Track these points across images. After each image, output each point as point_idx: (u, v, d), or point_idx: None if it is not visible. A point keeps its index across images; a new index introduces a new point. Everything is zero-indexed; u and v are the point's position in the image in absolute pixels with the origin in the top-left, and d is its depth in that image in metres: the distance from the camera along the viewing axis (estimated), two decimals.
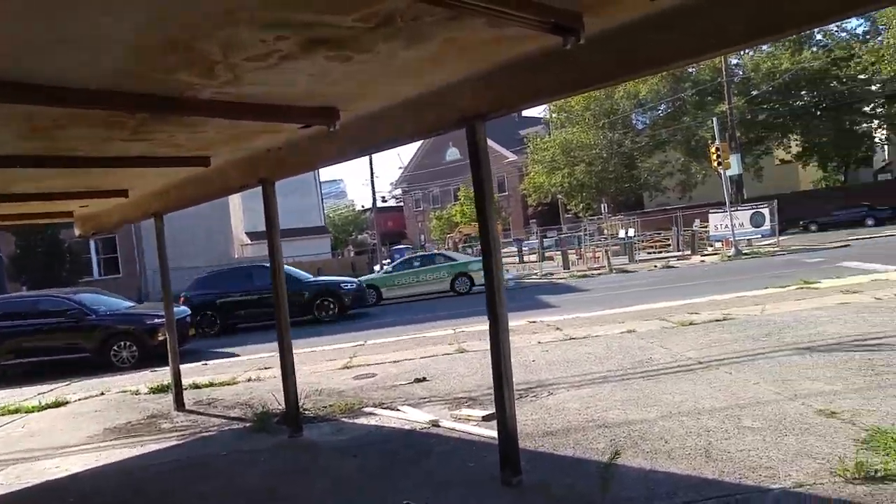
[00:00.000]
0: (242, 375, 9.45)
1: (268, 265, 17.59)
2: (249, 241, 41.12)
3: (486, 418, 5.63)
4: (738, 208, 25.66)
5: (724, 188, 24.45)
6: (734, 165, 24.71)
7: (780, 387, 5.70)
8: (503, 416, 4.21)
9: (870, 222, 31.53)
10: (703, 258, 24.30)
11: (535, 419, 5.56)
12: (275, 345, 6.28)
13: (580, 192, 38.79)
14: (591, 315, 11.63)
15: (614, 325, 9.93)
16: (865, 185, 38.73)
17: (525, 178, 43.41)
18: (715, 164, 23.89)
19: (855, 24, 36.63)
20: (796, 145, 38.23)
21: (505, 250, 34.90)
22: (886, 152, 40.73)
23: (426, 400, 6.77)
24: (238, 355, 12.39)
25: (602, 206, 35.33)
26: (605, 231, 31.11)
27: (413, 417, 6.05)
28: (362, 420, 6.31)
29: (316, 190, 46.02)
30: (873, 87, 33.98)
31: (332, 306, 17.16)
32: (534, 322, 11.39)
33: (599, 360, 7.62)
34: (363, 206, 74.01)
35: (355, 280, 19.61)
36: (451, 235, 42.89)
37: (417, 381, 7.59)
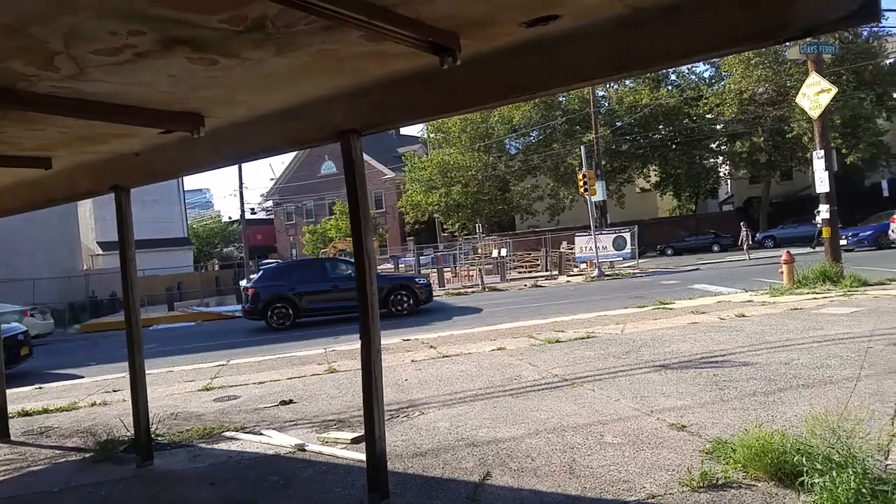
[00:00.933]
0: (85, 400, 8.60)
1: (342, 259, 14.79)
2: (101, 252, 38.08)
3: (355, 440, 5.46)
4: (603, 232, 27.24)
5: (589, 213, 25.89)
6: (599, 192, 26.22)
7: (639, 403, 5.99)
8: (372, 438, 4.08)
9: (716, 248, 34.66)
10: (569, 278, 25.49)
11: (406, 440, 5.47)
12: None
13: (456, 211, 39.56)
14: (465, 332, 11.77)
15: (486, 343, 10.10)
16: (712, 215, 42.61)
17: (403, 196, 43.63)
18: (582, 189, 25.24)
19: (703, 68, 40.44)
20: (655, 175, 41.30)
21: (381, 267, 34.77)
22: (729, 186, 45.05)
23: (292, 423, 6.48)
24: (82, 377, 11.31)
25: (477, 226, 36.23)
26: (480, 250, 31.87)
27: (278, 441, 5.76)
28: (222, 445, 5.92)
29: (179, 199, 43.22)
30: (718, 127, 37.53)
31: (406, 300, 17.08)
32: (408, 340, 11.35)
33: (471, 378, 7.68)
34: (231, 218, 70.49)
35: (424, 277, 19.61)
36: (325, 251, 42.01)
37: (284, 403, 7.26)
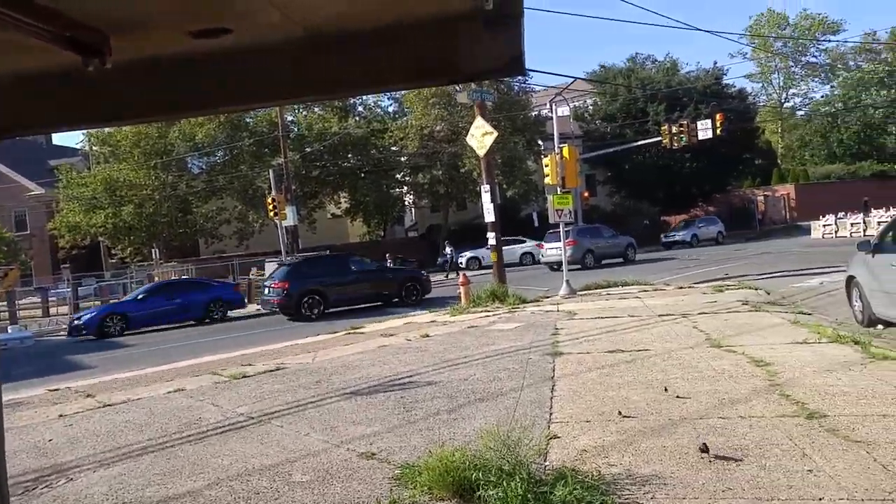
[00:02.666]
0: None
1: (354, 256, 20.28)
2: None
3: None
4: (295, 257, 26.96)
5: (280, 238, 25.42)
6: (290, 216, 25.95)
7: (329, 435, 5.80)
8: None
9: None
10: (259, 306, 24.60)
11: None
12: None
13: (128, 235, 35.19)
14: (135, 375, 10.27)
15: (161, 385, 8.94)
16: (399, 240, 45.46)
17: (56, 217, 37.21)
18: (272, 213, 24.69)
19: (387, 103, 43.22)
20: (345, 202, 42.49)
21: (25, 301, 29.34)
22: (413, 214, 48.68)
23: None
24: None
25: (153, 251, 32.81)
26: (157, 279, 28.96)
27: None
28: None
29: None
30: (403, 159, 40.33)
31: (415, 291, 19.31)
32: (56, 390, 9.44)
33: (140, 429, 6.65)
34: None
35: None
36: None
37: None
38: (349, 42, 2.53)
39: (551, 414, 5.82)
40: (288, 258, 25.62)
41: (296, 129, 38.12)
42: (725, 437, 4.77)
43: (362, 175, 39.40)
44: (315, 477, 4.74)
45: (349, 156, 39.00)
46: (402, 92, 39.83)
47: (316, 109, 39.08)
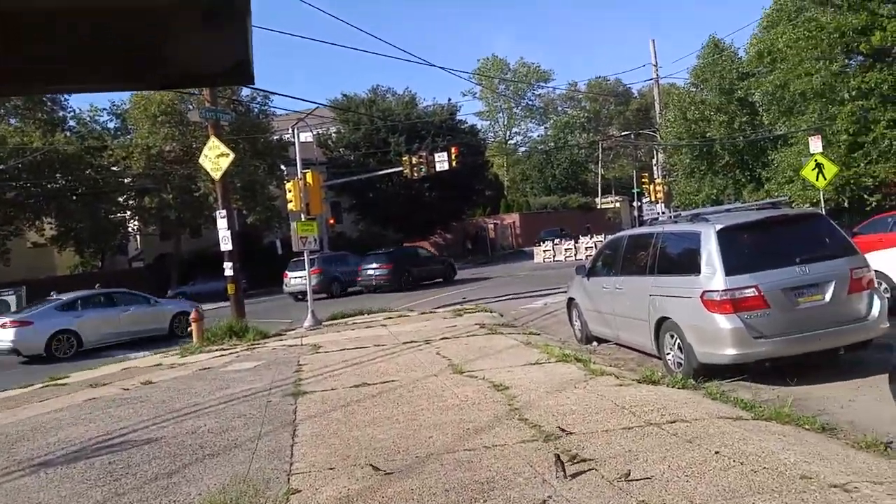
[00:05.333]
0: None
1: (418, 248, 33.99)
2: None
3: None
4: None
5: None
6: None
7: None
8: None
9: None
10: None
11: None
12: None
13: None
14: None
15: None
16: (121, 272, 40.31)
17: None
18: None
19: (106, 118, 38.38)
20: (51, 228, 36.47)
21: None
22: (139, 242, 43.71)
23: None
24: None
25: None
26: None
27: None
28: None
29: None
30: (126, 180, 36.03)
31: (450, 274, 29.02)
32: None
33: None
34: None
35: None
36: None
37: None
38: (33, 29, 1.84)
39: (292, 464, 5.24)
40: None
41: None
42: (472, 472, 4.66)
43: (74, 198, 34.23)
44: None
45: (57, 175, 33.61)
46: (125, 107, 36.07)
47: (12, 121, 33.32)
